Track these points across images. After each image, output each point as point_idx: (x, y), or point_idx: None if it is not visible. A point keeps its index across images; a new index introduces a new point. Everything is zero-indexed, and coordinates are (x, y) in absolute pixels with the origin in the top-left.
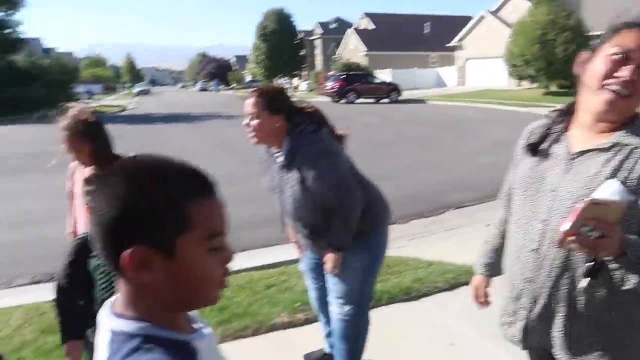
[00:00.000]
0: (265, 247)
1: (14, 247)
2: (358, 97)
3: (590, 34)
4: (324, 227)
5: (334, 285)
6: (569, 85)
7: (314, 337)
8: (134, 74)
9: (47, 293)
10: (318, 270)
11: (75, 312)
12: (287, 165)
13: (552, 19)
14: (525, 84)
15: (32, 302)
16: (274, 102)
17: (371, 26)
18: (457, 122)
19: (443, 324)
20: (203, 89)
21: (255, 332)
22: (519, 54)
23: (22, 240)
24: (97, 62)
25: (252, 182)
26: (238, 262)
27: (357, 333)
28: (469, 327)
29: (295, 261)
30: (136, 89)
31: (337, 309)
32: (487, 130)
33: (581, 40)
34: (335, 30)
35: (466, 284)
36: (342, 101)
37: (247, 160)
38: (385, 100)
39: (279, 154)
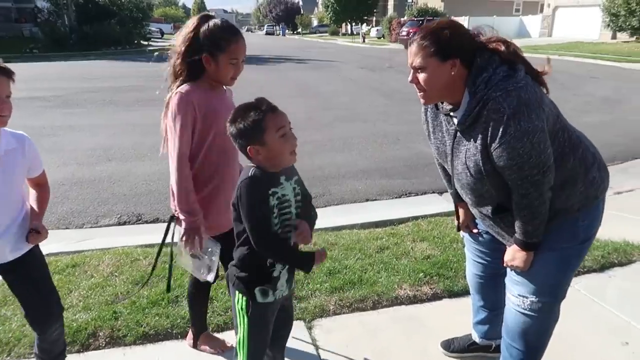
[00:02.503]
0: (366, 202)
1: (97, 184)
2: None
3: None
4: (511, 205)
5: (521, 277)
6: None
7: (445, 316)
8: None
9: (135, 237)
10: (489, 245)
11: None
12: (467, 128)
13: None
14: (622, 36)
15: (121, 247)
16: (444, 42)
17: None
18: (551, 76)
19: (603, 315)
20: (269, 33)
21: (376, 305)
22: (623, 1)
23: (105, 177)
24: (168, 1)
25: (340, 129)
26: (334, 217)
27: (544, 330)
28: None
29: (404, 220)
30: None
31: (520, 302)
32: (587, 86)
33: None
34: None
35: (620, 264)
36: None
37: (329, 105)
38: None
39: (455, 112)
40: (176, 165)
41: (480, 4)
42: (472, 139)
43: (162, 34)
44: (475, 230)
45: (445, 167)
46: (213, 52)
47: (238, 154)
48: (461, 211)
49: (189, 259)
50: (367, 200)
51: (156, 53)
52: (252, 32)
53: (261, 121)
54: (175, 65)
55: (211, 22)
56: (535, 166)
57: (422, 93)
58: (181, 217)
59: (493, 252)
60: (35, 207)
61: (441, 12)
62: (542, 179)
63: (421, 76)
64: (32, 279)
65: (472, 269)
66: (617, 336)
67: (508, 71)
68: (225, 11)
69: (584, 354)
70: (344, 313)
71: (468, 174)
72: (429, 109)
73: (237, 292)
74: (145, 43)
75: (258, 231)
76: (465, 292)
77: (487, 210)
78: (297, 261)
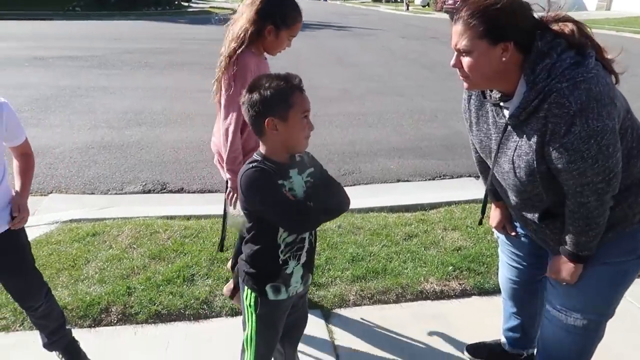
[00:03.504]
0: (397, 183)
1: (125, 149)
2: None
3: None
4: (561, 211)
5: (566, 289)
6: None
7: (474, 316)
8: None
9: (157, 208)
10: (528, 249)
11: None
12: (521, 123)
13: None
14: None
15: (143, 217)
16: (497, 22)
17: None
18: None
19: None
20: None
21: (399, 299)
22: None
23: (133, 142)
24: None
25: (375, 102)
26: (363, 198)
27: (586, 350)
28: None
29: (436, 205)
30: None
31: (562, 316)
32: None
33: None
34: None
35: None
36: None
37: (365, 76)
38: None
39: (506, 102)
40: (233, 128)
41: None
42: (525, 136)
43: None
44: (513, 233)
45: (488, 163)
46: (279, 25)
47: None
48: (497, 211)
49: (239, 218)
50: (398, 180)
51: (217, 17)
52: None
53: (291, 95)
54: (240, 30)
55: None
56: (600, 172)
57: (465, 79)
58: (228, 176)
59: (531, 257)
60: (19, 179)
61: None
62: (606, 188)
63: (466, 60)
64: (8, 262)
65: (505, 273)
66: None
67: (576, 57)
68: None
69: None
70: (364, 304)
71: (516, 174)
72: (473, 96)
73: (246, 287)
74: (186, 4)
75: (286, 212)
76: (497, 291)
77: (533, 215)
78: (338, 199)
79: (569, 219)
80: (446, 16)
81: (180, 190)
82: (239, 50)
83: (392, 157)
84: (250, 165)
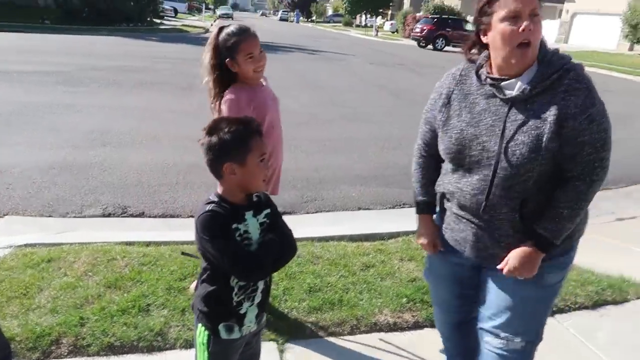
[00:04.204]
0: (358, 211)
1: (87, 170)
2: (447, 45)
3: None
4: (537, 199)
5: (505, 310)
6: None
7: (425, 348)
8: None
9: (116, 233)
10: (468, 280)
11: None
12: (532, 98)
13: None
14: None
15: (101, 243)
16: None
17: None
18: None
19: (589, 358)
20: (283, 19)
21: (354, 331)
22: None
23: (96, 163)
24: None
25: (343, 128)
26: (323, 226)
27: None
28: None
29: (394, 235)
30: (218, 12)
31: (504, 344)
32: None
33: None
34: None
35: (614, 302)
36: (429, 47)
37: (334, 101)
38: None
39: (506, 82)
40: None
41: None
42: (533, 112)
43: (176, 12)
44: (442, 249)
45: (463, 156)
46: (231, 55)
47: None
48: (429, 225)
49: None
50: (359, 208)
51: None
52: (266, 16)
53: (249, 140)
54: (211, 81)
55: (223, 31)
56: (610, 147)
57: (529, 48)
58: None
59: (458, 299)
60: None
61: (457, 11)
62: (607, 169)
63: (536, 24)
64: None
65: (442, 317)
66: None
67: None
68: None
69: None
70: (319, 337)
71: (516, 153)
72: (455, 90)
73: (199, 325)
74: (158, 21)
75: (235, 263)
76: None
77: (509, 207)
78: (283, 250)
79: (566, 202)
80: (413, 43)
81: (142, 215)
82: (219, 99)
83: (355, 184)
84: (206, 209)
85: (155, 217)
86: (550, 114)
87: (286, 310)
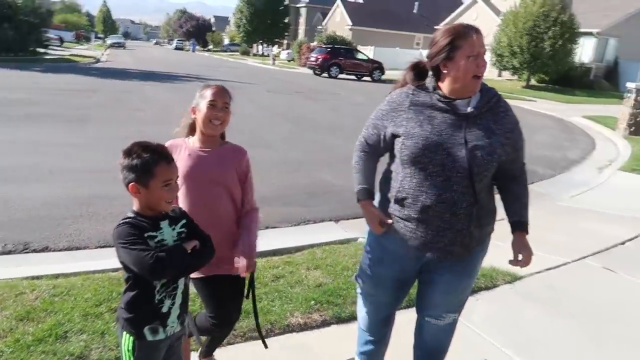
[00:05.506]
0: (266, 230)
1: None
2: (341, 72)
3: (578, 30)
4: (492, 207)
5: (449, 300)
6: (548, 80)
7: (333, 342)
8: (109, 25)
9: (19, 269)
10: (409, 282)
11: None
12: (480, 115)
13: (545, 12)
14: (506, 75)
15: (4, 279)
16: None
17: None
18: None
19: (469, 336)
20: (179, 48)
21: (268, 334)
22: (507, 44)
23: None
24: (71, 7)
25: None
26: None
27: (451, 338)
28: (499, 340)
29: (300, 248)
30: (109, 41)
31: (441, 321)
32: None
33: (569, 36)
34: (323, 0)
35: (486, 288)
36: (324, 75)
37: (233, 129)
38: (367, 78)
39: (460, 101)
40: None
41: (384, 36)
42: (483, 126)
43: (62, 41)
44: (390, 221)
45: (431, 157)
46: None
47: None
48: (372, 208)
49: None
50: (267, 227)
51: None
52: (161, 45)
53: (153, 167)
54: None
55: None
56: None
57: (480, 80)
58: None
59: (398, 300)
60: None
61: (349, 41)
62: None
63: (485, 61)
64: None
65: (377, 315)
66: (478, 354)
67: None
68: (132, 22)
69: None
70: (237, 343)
71: (476, 157)
72: (411, 106)
73: (124, 333)
74: (42, 51)
75: (144, 264)
76: (352, 318)
77: (464, 203)
78: (196, 256)
79: (523, 193)
80: (309, 71)
81: (46, 249)
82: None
83: (261, 205)
84: (120, 222)
85: (60, 250)
86: (497, 128)
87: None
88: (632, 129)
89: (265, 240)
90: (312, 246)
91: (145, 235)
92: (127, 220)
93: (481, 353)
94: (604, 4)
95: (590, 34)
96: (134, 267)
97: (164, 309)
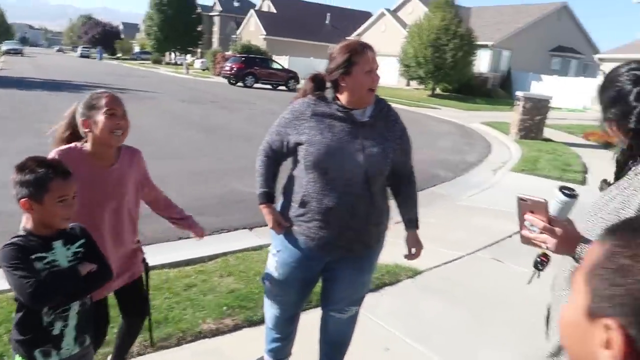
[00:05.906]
0: (178, 241)
1: None
2: (256, 82)
3: (476, 43)
4: (386, 208)
5: (351, 294)
6: (451, 89)
7: (244, 345)
8: (3, 30)
9: None
10: (314, 281)
11: None
12: (374, 123)
13: (446, 25)
14: (414, 84)
15: None
16: None
17: (273, 9)
18: None
19: (373, 328)
20: (84, 56)
21: (180, 342)
22: (413, 55)
23: None
24: None
25: (155, 166)
26: (147, 257)
27: (354, 329)
28: (401, 330)
29: (214, 257)
30: (4, 47)
31: (344, 315)
32: None
33: (467, 48)
34: (236, 9)
35: (390, 284)
36: (239, 84)
37: (143, 141)
38: (283, 87)
39: (356, 111)
40: None
41: (298, 46)
42: (378, 132)
43: None
44: (288, 224)
45: (330, 163)
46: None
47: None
48: (271, 210)
49: None
50: (179, 238)
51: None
52: (64, 52)
53: (48, 182)
54: None
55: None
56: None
57: (374, 92)
58: None
59: (304, 299)
60: None
61: (263, 50)
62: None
63: (378, 77)
64: None
65: (287, 312)
66: (381, 343)
67: None
68: (31, 27)
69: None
70: (147, 353)
71: (373, 161)
72: (312, 115)
73: (16, 355)
74: None
75: (22, 291)
76: (263, 320)
77: (365, 205)
78: (90, 280)
79: (413, 193)
80: (224, 81)
81: None
82: None
83: None
84: (7, 242)
85: None
86: (389, 134)
87: (113, 335)
88: (522, 134)
89: (179, 251)
90: (225, 254)
91: (34, 256)
92: (14, 241)
93: (384, 343)
94: (498, 18)
95: (486, 46)
96: (15, 292)
97: (55, 332)
